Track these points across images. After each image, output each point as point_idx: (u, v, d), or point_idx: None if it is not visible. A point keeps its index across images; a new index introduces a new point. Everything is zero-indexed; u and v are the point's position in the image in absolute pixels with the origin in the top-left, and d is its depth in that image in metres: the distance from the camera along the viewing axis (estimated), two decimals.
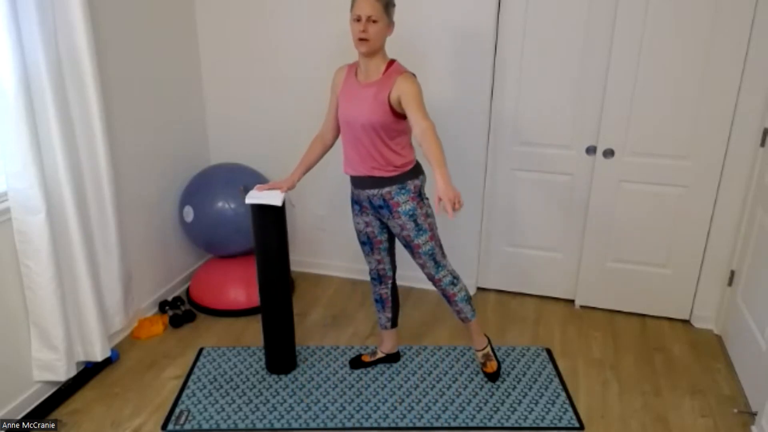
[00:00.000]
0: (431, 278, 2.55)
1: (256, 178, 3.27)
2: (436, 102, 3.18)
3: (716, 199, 3.03)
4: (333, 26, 3.17)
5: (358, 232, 2.62)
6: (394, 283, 2.75)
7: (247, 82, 3.49)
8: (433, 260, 2.50)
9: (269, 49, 3.39)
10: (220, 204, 3.16)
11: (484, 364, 2.78)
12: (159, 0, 3.11)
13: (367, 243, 2.62)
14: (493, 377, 2.75)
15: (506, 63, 3.11)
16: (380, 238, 2.59)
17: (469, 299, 2.64)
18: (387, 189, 2.39)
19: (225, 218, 3.16)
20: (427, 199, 2.48)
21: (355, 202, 2.56)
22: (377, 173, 2.38)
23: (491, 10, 3.00)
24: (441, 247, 2.53)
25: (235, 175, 3.29)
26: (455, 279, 2.58)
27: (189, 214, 3.21)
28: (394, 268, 2.73)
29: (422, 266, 2.53)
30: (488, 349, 2.78)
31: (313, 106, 3.17)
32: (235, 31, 3.41)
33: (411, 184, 2.40)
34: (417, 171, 2.44)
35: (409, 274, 3.24)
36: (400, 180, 2.38)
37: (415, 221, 2.41)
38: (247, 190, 2.59)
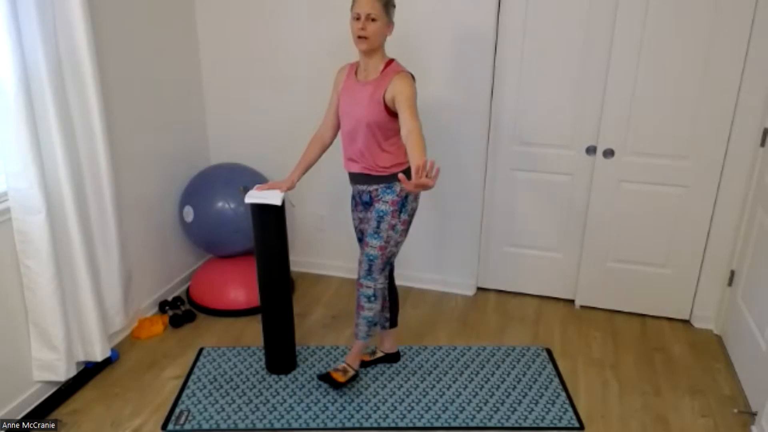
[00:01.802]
0: (358, 278, 2.53)
1: (256, 178, 3.27)
2: (436, 102, 3.18)
3: (716, 199, 3.03)
4: (333, 26, 3.17)
5: (355, 228, 2.64)
6: (391, 283, 2.75)
7: (247, 82, 3.49)
8: (369, 266, 2.47)
9: (269, 49, 3.39)
10: (220, 204, 3.16)
11: (337, 370, 2.60)
12: (159, 0, 3.11)
13: (362, 239, 2.63)
14: (329, 381, 2.56)
15: (506, 63, 3.11)
16: None
17: (372, 324, 2.57)
18: (375, 186, 2.42)
19: (225, 218, 3.16)
20: (408, 216, 2.45)
21: (353, 196, 2.59)
22: (366, 172, 2.42)
23: (491, 10, 3.00)
24: (386, 263, 2.49)
25: (235, 175, 3.29)
26: (374, 297, 2.51)
27: (189, 214, 3.21)
28: (390, 267, 2.72)
29: (359, 263, 2.51)
30: (352, 372, 2.62)
31: (313, 106, 3.17)
32: (235, 31, 3.41)
33: (398, 186, 2.39)
34: (408, 175, 2.42)
35: (409, 273, 3.25)
36: (388, 180, 2.40)
37: (378, 224, 2.41)
38: (246, 190, 2.59)
